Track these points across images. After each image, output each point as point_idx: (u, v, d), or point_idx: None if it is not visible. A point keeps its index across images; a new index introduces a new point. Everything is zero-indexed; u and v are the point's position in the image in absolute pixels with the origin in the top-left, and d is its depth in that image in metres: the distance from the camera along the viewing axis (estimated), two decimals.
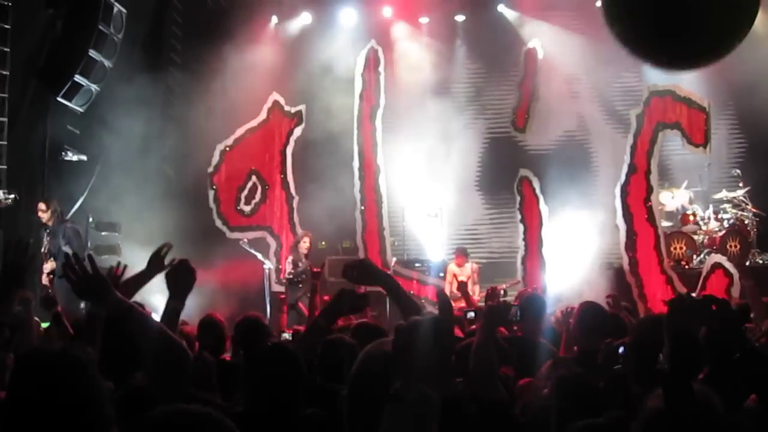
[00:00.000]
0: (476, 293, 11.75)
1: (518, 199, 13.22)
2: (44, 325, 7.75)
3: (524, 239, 13.17)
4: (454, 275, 12.23)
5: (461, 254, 12.61)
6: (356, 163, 13.51)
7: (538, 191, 13.11)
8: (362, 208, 13.36)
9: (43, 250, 10.36)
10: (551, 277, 12.56)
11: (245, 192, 12.96)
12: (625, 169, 12.91)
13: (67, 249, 9.95)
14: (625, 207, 12.78)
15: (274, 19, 14.41)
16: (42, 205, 10.33)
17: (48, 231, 10.43)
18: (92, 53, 11.78)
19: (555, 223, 12.93)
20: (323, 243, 13.36)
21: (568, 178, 12.95)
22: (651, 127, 12.96)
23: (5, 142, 11.24)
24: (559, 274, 12.53)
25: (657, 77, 13.11)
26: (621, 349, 3.66)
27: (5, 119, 11.24)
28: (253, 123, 13.13)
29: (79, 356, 2.24)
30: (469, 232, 14.16)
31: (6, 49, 11.12)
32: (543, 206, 13.06)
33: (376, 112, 13.58)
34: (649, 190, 12.89)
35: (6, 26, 11.10)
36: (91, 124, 12.28)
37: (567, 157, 13.45)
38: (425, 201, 13.51)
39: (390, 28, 14.34)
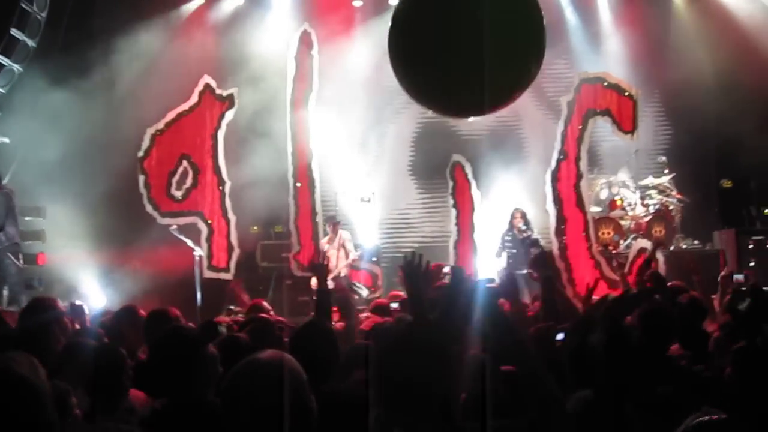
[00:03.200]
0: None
1: (450, 184, 13.27)
2: None
3: (456, 224, 13.26)
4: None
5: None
6: (289, 148, 13.40)
7: (470, 176, 13.18)
8: (294, 192, 13.26)
9: None
10: (482, 262, 12.76)
11: (176, 177, 12.75)
12: (555, 155, 13.02)
13: None
14: (555, 192, 12.91)
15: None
16: None
17: None
18: (14, 32, 11.41)
19: (486, 208, 13.08)
20: (255, 228, 13.28)
21: (500, 163, 13.24)
22: (581, 114, 13.05)
23: None
24: (490, 258, 12.76)
25: (587, 65, 13.34)
26: (560, 336, 3.72)
27: None
28: (185, 107, 12.89)
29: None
30: (401, 216, 14.23)
31: None
32: (475, 191, 13.17)
33: (308, 96, 13.47)
34: (579, 175, 12.99)
35: None
36: (13, 105, 11.92)
37: (499, 143, 13.66)
38: (358, 185, 13.51)
39: (323, 11, 14.21)
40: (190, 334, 3.37)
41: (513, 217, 12.48)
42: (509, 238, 12.55)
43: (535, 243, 12.27)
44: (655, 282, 6.15)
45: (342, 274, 12.38)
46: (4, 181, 10.51)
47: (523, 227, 12.42)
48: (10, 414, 2.11)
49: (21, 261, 10.15)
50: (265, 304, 6.87)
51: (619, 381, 2.96)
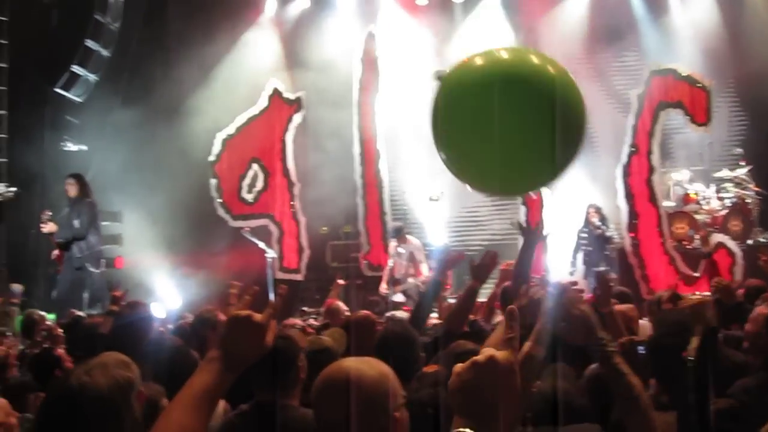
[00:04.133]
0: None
1: None
2: (50, 317, 7.84)
3: (526, 221, 13.11)
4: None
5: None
6: (356, 149, 13.48)
7: None
8: (363, 192, 13.33)
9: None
10: (553, 259, 12.60)
11: (247, 180, 12.94)
12: (626, 149, 12.85)
13: (76, 223, 9.88)
14: (626, 187, 12.74)
15: (272, 4, 14.30)
16: (70, 179, 10.12)
17: (70, 204, 10.21)
18: (89, 43, 11.73)
19: (556, 204, 12.73)
20: (325, 228, 13.37)
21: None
22: (652, 107, 12.87)
23: (5, 135, 11.22)
24: (561, 255, 12.55)
25: (658, 57, 13.06)
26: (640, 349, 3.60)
27: (5, 112, 11.21)
28: (254, 111, 13.08)
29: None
30: (470, 214, 14.08)
31: (3, 42, 11.07)
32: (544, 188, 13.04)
33: (375, 97, 13.53)
34: (651, 170, 12.83)
35: (3, 18, 11.04)
36: (90, 113, 12.25)
37: None
38: (426, 184, 13.45)
39: (389, 11, 14.22)
40: (284, 339, 3.37)
41: (588, 213, 12.18)
42: (584, 234, 12.28)
43: (609, 240, 12.03)
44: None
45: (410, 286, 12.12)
46: None
47: (598, 223, 12.13)
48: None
49: (102, 267, 10.43)
50: (340, 304, 6.92)
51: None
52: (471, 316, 5.82)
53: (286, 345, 3.32)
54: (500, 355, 1.62)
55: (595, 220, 12.09)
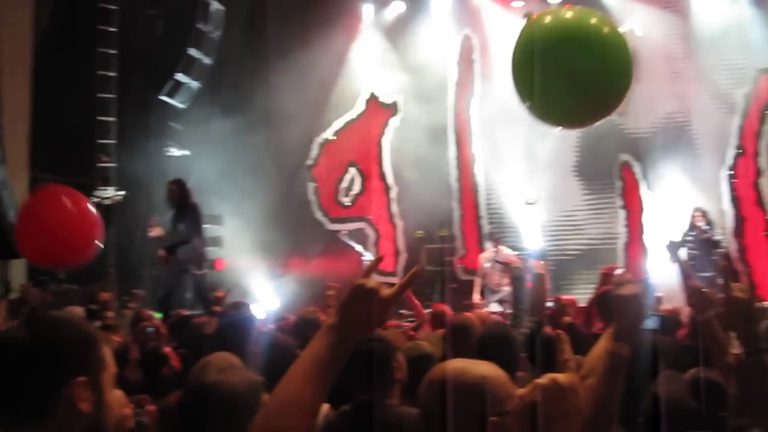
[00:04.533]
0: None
1: (619, 184, 12.92)
2: (158, 315, 8.11)
3: (626, 225, 12.87)
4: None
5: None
6: (452, 153, 13.45)
7: (639, 176, 12.80)
8: (458, 196, 13.27)
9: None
10: (653, 264, 12.26)
11: (344, 184, 13.08)
12: (731, 151, 12.47)
13: (181, 227, 10.12)
14: (732, 191, 12.38)
15: (368, 9, 14.40)
16: (173, 184, 10.33)
17: (173, 208, 10.44)
18: (191, 51, 12.08)
19: (657, 208, 12.58)
20: (420, 232, 13.36)
21: (671, 162, 12.57)
22: (760, 107, 12.50)
23: (114, 141, 11.66)
24: (662, 260, 12.21)
25: (765, 55, 12.58)
26: None
27: (113, 119, 11.65)
28: (352, 115, 13.20)
29: None
30: (567, 218, 13.80)
31: (113, 52, 11.51)
32: (645, 191, 12.75)
33: (470, 100, 13.47)
34: (758, 172, 12.44)
35: (112, 29, 11.48)
36: (192, 119, 12.60)
37: (669, 140, 12.89)
38: (523, 188, 13.29)
39: (484, 14, 14.13)
40: (379, 341, 3.41)
41: (693, 216, 11.75)
42: (690, 238, 11.90)
43: (717, 244, 11.62)
44: None
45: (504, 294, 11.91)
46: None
47: (705, 227, 11.67)
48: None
49: (205, 269, 10.66)
50: (447, 308, 6.87)
51: None
52: (568, 319, 5.74)
53: (381, 346, 3.36)
54: (562, 377, 1.67)
55: (702, 224, 11.66)
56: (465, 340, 4.27)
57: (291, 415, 1.73)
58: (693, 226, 11.64)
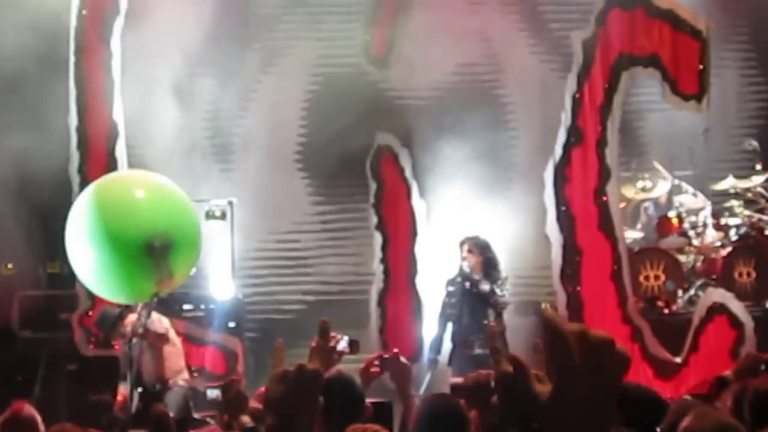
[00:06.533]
0: None
1: (373, 186, 8.81)
2: None
3: (383, 259, 8.65)
4: None
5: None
6: None
7: (407, 172, 8.84)
8: None
9: None
10: (430, 328, 8.16)
11: None
12: (562, 135, 8.54)
13: None
14: (562, 203, 8.48)
15: None
16: None
17: None
18: None
19: (437, 230, 8.68)
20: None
21: (463, 149, 8.80)
22: (609, 64, 8.70)
23: None
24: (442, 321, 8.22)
25: None
26: None
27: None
28: None
29: None
30: (283, 247, 9.19)
31: None
32: (417, 200, 8.76)
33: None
34: (605, 173, 8.51)
35: None
36: None
37: (461, 112, 9.10)
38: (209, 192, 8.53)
39: None
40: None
41: (461, 251, 7.72)
42: (452, 288, 7.79)
43: (487, 298, 7.54)
44: None
45: None
46: None
47: (468, 270, 7.58)
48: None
49: None
50: None
51: None
52: None
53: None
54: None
55: (469, 264, 7.64)
56: None
57: None
58: (460, 268, 7.87)
